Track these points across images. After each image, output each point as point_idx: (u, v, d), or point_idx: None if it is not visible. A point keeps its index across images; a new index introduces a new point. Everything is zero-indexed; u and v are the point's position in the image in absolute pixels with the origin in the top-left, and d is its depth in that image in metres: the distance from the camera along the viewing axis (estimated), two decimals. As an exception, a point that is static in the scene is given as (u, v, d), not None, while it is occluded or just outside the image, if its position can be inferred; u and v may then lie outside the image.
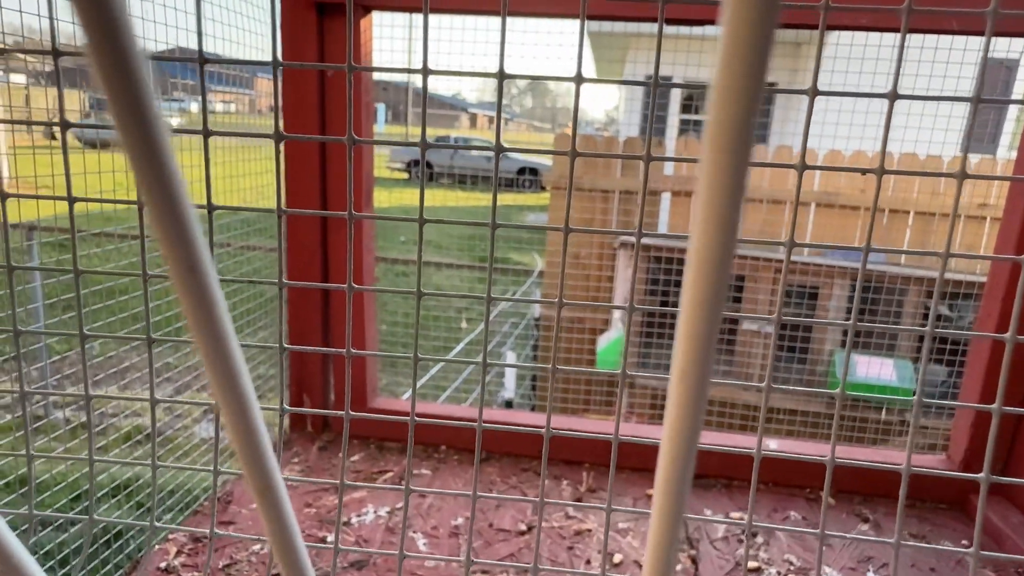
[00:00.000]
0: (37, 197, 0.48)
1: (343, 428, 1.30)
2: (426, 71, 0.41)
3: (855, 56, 2.54)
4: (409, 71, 0.42)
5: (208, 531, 0.54)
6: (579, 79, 0.41)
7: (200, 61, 0.42)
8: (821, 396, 3.25)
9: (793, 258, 3.32)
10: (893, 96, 0.38)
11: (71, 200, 0.44)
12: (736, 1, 0.14)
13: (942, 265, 0.38)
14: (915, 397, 0.47)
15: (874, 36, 1.87)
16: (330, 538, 0.92)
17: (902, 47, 0.34)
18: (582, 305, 0.46)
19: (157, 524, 0.53)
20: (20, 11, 1.25)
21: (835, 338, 3.36)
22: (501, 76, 0.42)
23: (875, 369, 3.11)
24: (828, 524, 1.15)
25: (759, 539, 1.08)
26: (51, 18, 0.42)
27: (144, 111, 0.14)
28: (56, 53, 0.42)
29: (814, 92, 0.40)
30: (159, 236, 0.16)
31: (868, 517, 1.17)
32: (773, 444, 1.28)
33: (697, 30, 1.02)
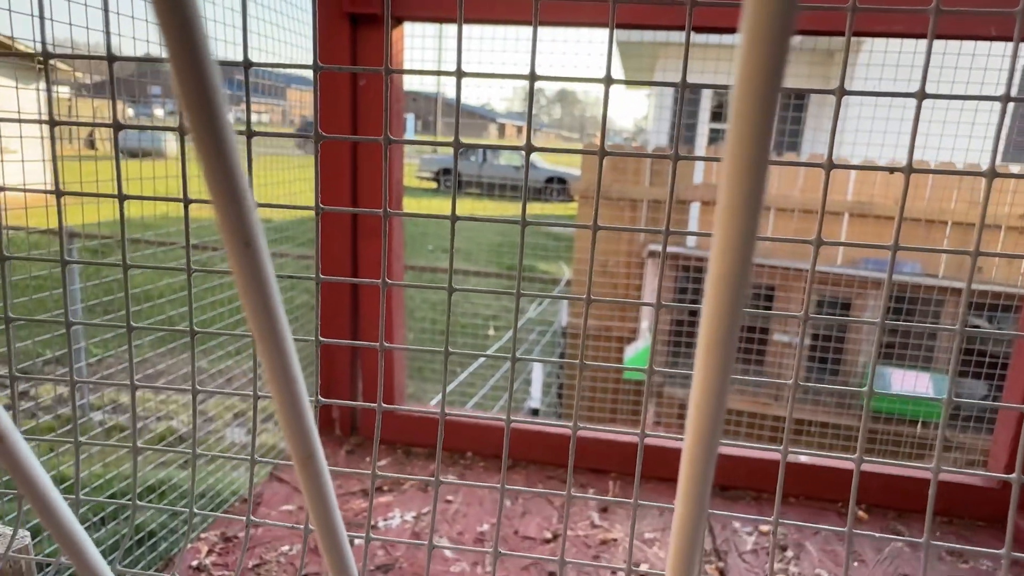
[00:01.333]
0: (91, 195, 0.50)
1: (374, 422, 1.32)
2: (460, 73, 0.42)
3: (889, 63, 2.50)
4: (444, 73, 0.43)
5: (244, 518, 0.55)
6: (608, 80, 0.42)
7: (245, 65, 0.44)
8: (848, 393, 3.19)
9: (825, 269, 3.26)
10: (921, 95, 0.37)
11: (121, 198, 0.46)
12: (755, 6, 0.14)
13: (971, 264, 0.38)
14: (945, 398, 0.46)
15: (908, 44, 1.84)
16: (357, 540, 0.93)
17: (930, 47, 0.34)
18: (610, 302, 0.46)
19: (197, 511, 0.54)
20: (70, 24, 1.29)
21: (868, 350, 3.29)
22: (532, 78, 0.42)
23: (910, 383, 3.04)
24: (860, 539, 1.12)
25: (789, 553, 1.06)
26: (106, 25, 0.44)
27: (215, 112, 0.16)
28: (111, 58, 0.44)
29: (841, 92, 0.40)
30: (220, 219, 0.17)
31: (902, 532, 1.14)
32: (803, 457, 1.26)
33: (727, 39, 1.02)
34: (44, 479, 0.26)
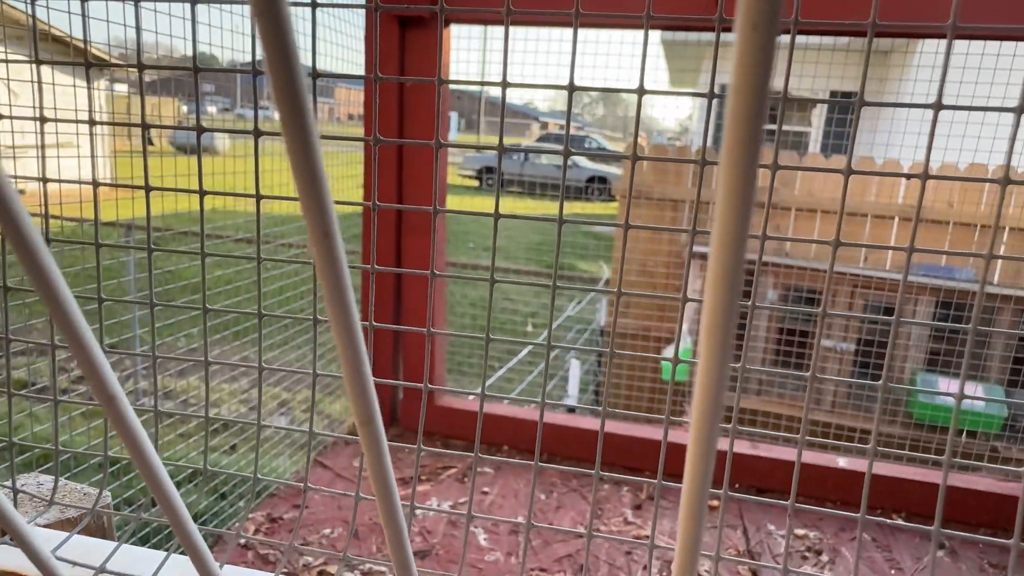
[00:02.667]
0: (175, 190, 0.54)
1: (414, 413, 1.35)
2: (504, 84, 0.44)
3: (940, 64, 2.43)
4: (489, 84, 0.45)
5: (301, 485, 0.58)
6: (641, 91, 0.43)
7: (314, 75, 0.47)
8: (893, 400, 3.11)
9: (870, 273, 3.19)
10: (937, 107, 0.38)
11: (202, 193, 0.50)
12: (744, 11, 0.16)
13: (984, 267, 0.38)
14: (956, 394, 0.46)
15: (960, 45, 1.79)
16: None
17: (947, 59, 0.35)
18: (638, 295, 0.47)
19: (260, 476, 0.57)
20: (124, 24, 1.36)
21: (916, 356, 3.21)
22: (571, 88, 0.44)
23: (955, 391, 2.94)
24: (900, 547, 1.11)
25: (824, 557, 1.06)
26: (194, 41, 0.48)
27: (304, 117, 0.18)
28: (196, 69, 0.48)
29: (860, 103, 0.41)
30: (305, 211, 0.19)
31: (944, 543, 1.13)
32: (842, 462, 1.25)
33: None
34: (147, 440, 0.29)
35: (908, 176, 0.40)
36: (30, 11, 0.55)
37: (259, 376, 0.56)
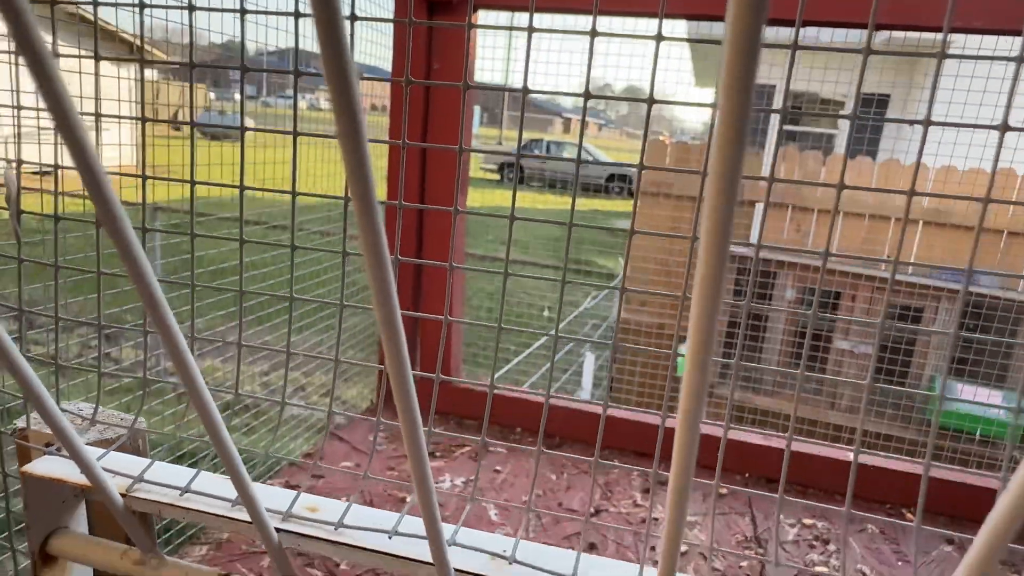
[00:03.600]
0: (215, 126, 0.57)
1: (427, 392, 1.37)
2: (531, 29, 0.46)
3: (971, 71, 2.41)
4: (516, 28, 0.48)
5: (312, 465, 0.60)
6: (659, 37, 0.45)
7: (352, 19, 0.50)
8: (910, 406, 3.09)
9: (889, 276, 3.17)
10: (942, 56, 0.39)
11: (243, 129, 0.53)
12: (734, 10, 0.18)
13: (981, 212, 0.39)
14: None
15: (988, 42, 1.78)
16: (410, 499, 0.99)
17: (945, 36, 0.36)
18: (650, 234, 0.49)
19: (287, 402, 0.60)
20: (166, 20, 1.41)
21: (936, 363, 3.18)
22: (593, 34, 0.46)
23: (982, 400, 2.92)
24: (908, 540, 1.12)
25: (831, 546, 1.07)
26: (242, 38, 0.51)
27: (355, 111, 0.21)
28: (244, 69, 0.51)
29: (867, 50, 0.42)
30: (344, 148, 0.22)
31: (953, 538, 1.13)
32: (852, 456, 1.25)
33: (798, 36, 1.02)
34: (187, 348, 0.31)
35: (911, 123, 0.41)
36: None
37: (287, 358, 0.59)
